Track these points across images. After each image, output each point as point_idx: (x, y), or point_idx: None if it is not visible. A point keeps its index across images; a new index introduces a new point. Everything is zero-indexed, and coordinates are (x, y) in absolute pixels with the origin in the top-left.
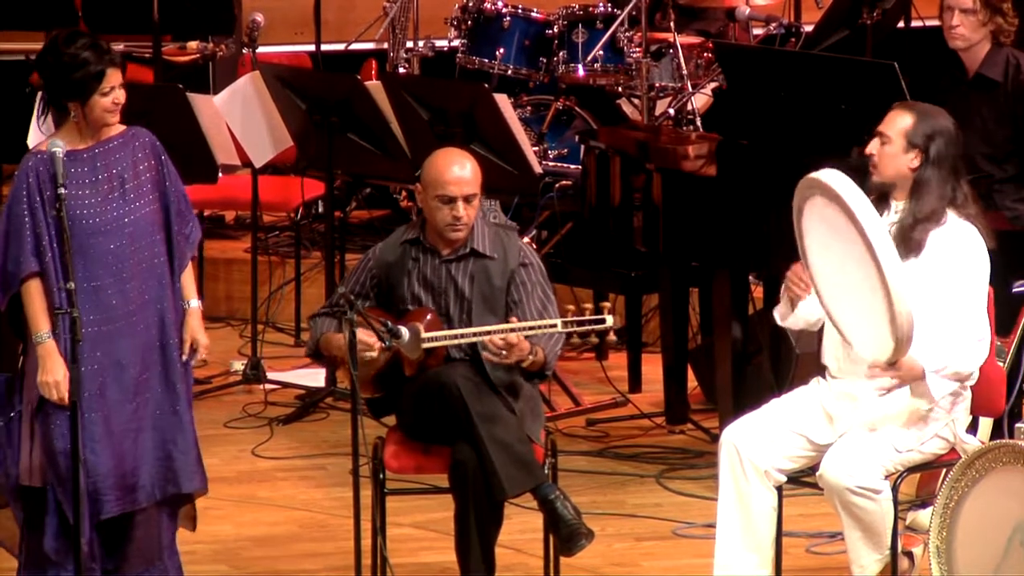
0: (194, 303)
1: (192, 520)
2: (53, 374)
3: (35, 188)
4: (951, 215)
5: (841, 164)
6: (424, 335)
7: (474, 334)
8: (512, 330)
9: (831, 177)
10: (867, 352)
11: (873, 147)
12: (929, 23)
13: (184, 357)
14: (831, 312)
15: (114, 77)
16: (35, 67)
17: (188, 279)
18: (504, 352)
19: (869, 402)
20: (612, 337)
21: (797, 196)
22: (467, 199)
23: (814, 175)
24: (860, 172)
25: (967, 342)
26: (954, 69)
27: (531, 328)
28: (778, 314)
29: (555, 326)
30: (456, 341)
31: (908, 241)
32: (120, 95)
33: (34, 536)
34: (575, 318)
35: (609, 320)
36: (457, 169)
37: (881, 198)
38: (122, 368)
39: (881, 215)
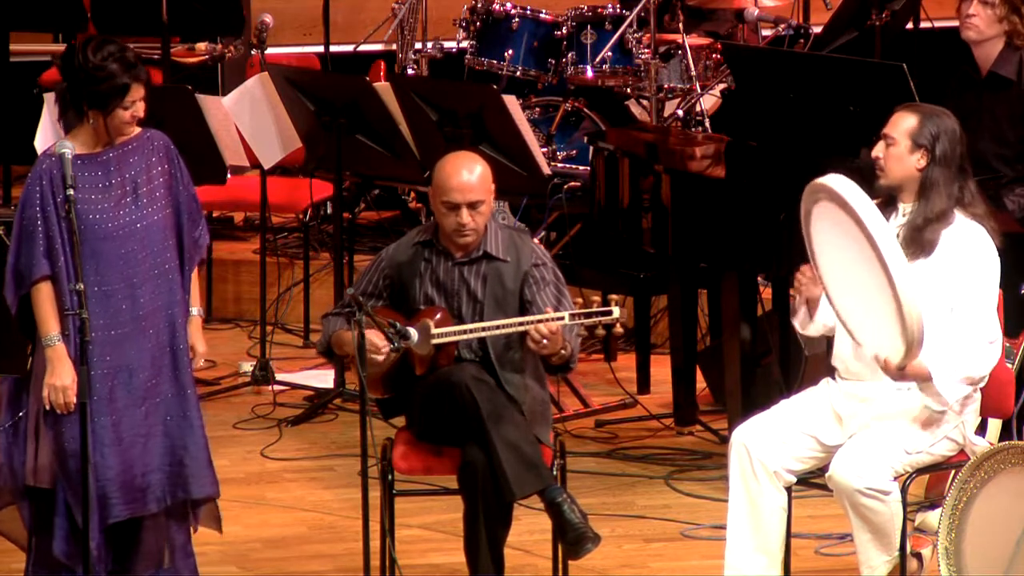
0: (194, 311)
1: (217, 521)
2: (61, 378)
3: (48, 191)
4: (959, 215)
5: (849, 166)
6: (434, 331)
7: (483, 329)
8: (521, 324)
9: (837, 182)
10: (877, 354)
11: (879, 150)
12: (939, 24)
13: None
14: (841, 314)
15: (137, 92)
16: (59, 68)
17: (193, 285)
18: (545, 341)
19: (879, 403)
20: (619, 330)
21: (804, 200)
22: (472, 206)
23: (820, 180)
24: (868, 173)
25: (978, 345)
26: (967, 68)
27: (540, 320)
28: (798, 323)
29: (562, 318)
30: (466, 336)
31: (918, 241)
32: (140, 108)
33: (43, 538)
34: (582, 310)
35: (616, 312)
36: (464, 174)
37: (888, 201)
38: (131, 373)
39: (889, 218)
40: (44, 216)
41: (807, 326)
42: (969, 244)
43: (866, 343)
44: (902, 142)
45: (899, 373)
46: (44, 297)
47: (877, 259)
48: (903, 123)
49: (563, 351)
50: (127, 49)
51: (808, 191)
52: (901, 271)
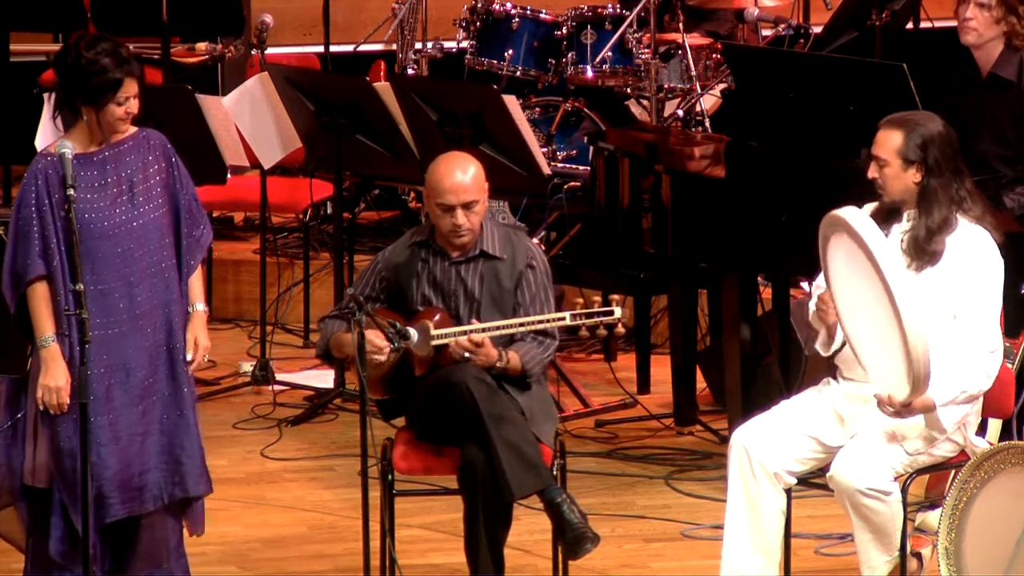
0: (200, 307)
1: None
2: (55, 379)
3: (43, 191)
4: (961, 220)
5: (850, 166)
6: (434, 332)
7: (483, 329)
8: (521, 324)
9: (853, 217)
10: (883, 387)
11: (874, 171)
12: (939, 24)
13: (188, 359)
14: (852, 341)
15: (130, 87)
16: (53, 66)
17: (196, 282)
18: (468, 355)
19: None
20: (621, 330)
21: (822, 228)
22: (466, 206)
23: (837, 213)
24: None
25: (979, 356)
26: (967, 69)
27: (540, 322)
28: (820, 347)
29: (564, 319)
30: (466, 337)
31: (923, 252)
32: (134, 105)
33: (40, 538)
34: (583, 311)
35: (617, 312)
36: (458, 175)
37: (892, 211)
38: (128, 372)
39: (892, 226)
40: (39, 216)
41: (831, 348)
42: (974, 251)
43: (873, 374)
44: (893, 161)
45: (905, 409)
46: (39, 297)
47: (888, 299)
48: (889, 142)
49: (500, 364)
50: (120, 45)
51: (826, 221)
52: (911, 313)
